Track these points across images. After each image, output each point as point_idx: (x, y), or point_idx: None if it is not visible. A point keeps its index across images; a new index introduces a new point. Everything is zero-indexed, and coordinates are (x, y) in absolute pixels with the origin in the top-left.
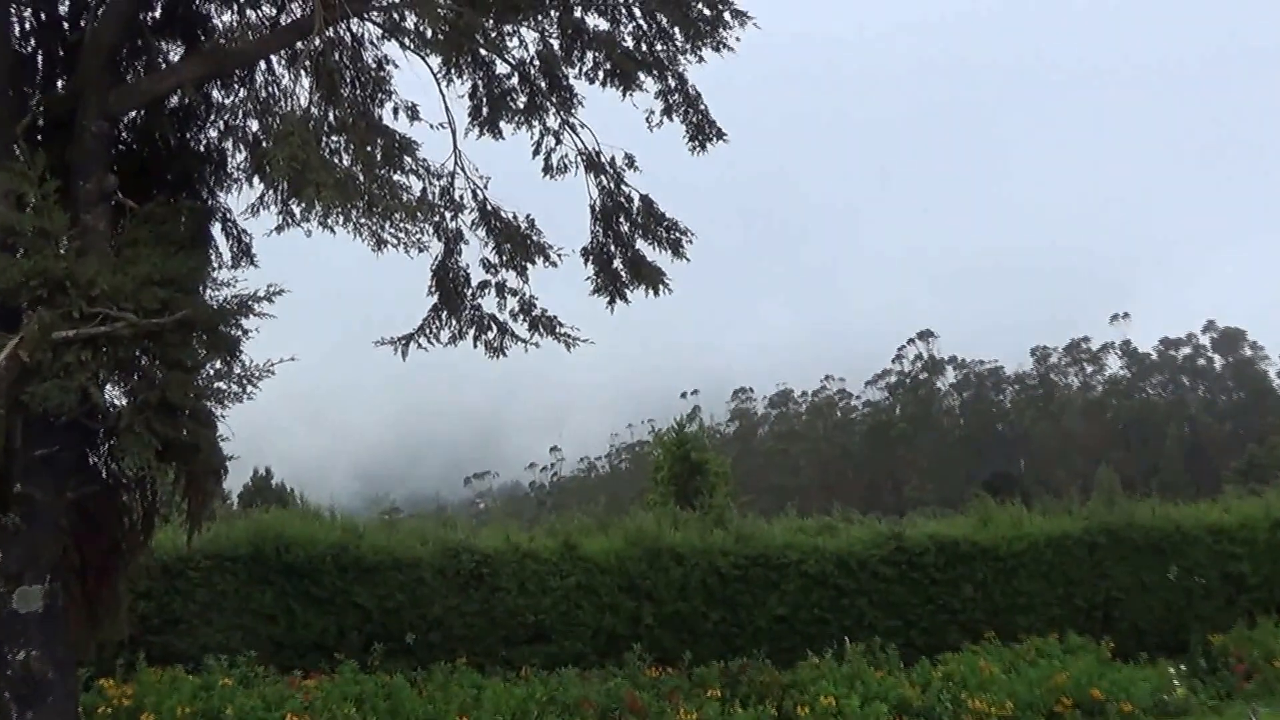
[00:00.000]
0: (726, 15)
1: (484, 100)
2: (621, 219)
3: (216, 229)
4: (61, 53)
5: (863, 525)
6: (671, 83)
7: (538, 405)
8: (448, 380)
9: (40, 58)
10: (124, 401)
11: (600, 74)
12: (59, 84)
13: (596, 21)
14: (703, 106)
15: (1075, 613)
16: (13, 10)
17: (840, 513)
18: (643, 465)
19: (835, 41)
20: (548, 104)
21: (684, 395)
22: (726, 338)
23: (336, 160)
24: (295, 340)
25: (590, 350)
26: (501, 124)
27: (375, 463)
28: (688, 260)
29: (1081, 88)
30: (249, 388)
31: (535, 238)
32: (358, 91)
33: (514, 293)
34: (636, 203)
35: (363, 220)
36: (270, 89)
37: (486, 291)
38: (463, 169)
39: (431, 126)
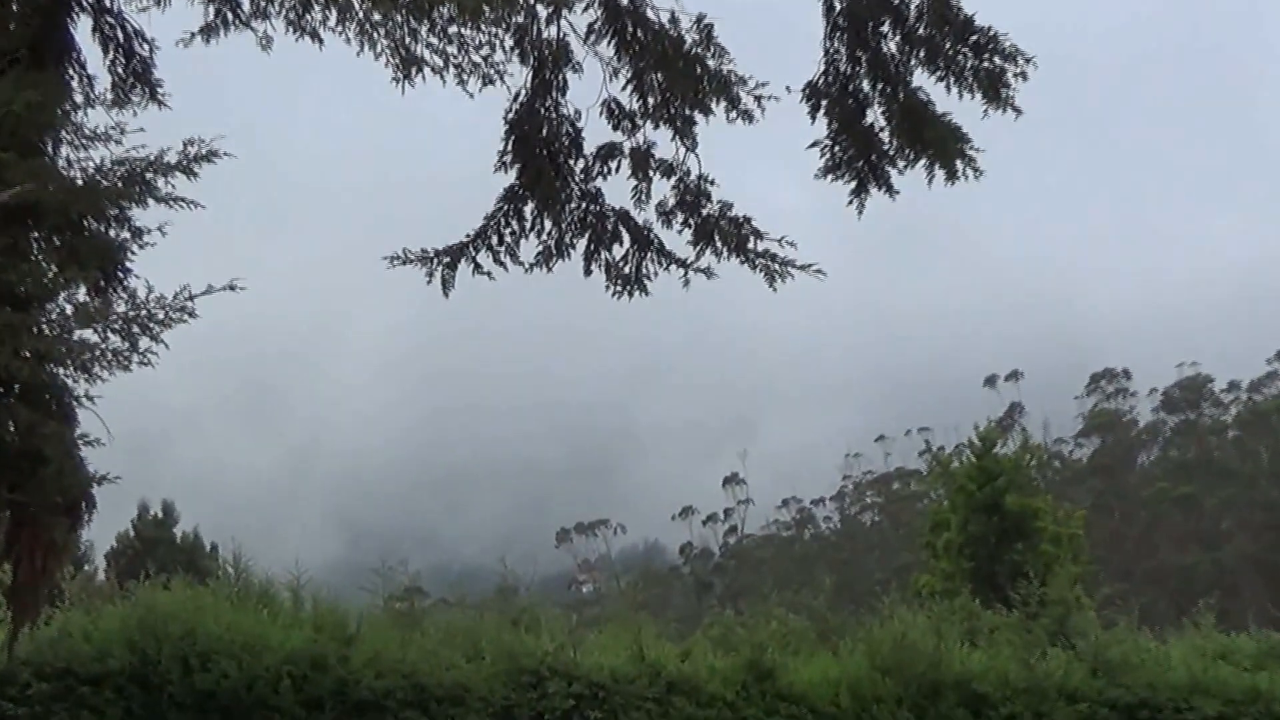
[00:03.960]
0: None
1: None
2: (885, 27)
3: (83, 28)
4: None
5: None
6: None
7: (699, 403)
8: (525, 347)
9: None
10: None
11: None
12: None
13: None
14: None
15: None
16: None
17: None
18: (908, 517)
19: None
20: None
21: (990, 383)
22: (1078, 278)
23: None
24: (236, 261)
25: (811, 291)
26: None
27: (380, 503)
28: (1015, 113)
29: None
30: (146, 342)
31: (712, 63)
32: None
33: (667, 169)
34: None
35: (376, 19)
36: None
37: (613, 165)
38: None
39: None
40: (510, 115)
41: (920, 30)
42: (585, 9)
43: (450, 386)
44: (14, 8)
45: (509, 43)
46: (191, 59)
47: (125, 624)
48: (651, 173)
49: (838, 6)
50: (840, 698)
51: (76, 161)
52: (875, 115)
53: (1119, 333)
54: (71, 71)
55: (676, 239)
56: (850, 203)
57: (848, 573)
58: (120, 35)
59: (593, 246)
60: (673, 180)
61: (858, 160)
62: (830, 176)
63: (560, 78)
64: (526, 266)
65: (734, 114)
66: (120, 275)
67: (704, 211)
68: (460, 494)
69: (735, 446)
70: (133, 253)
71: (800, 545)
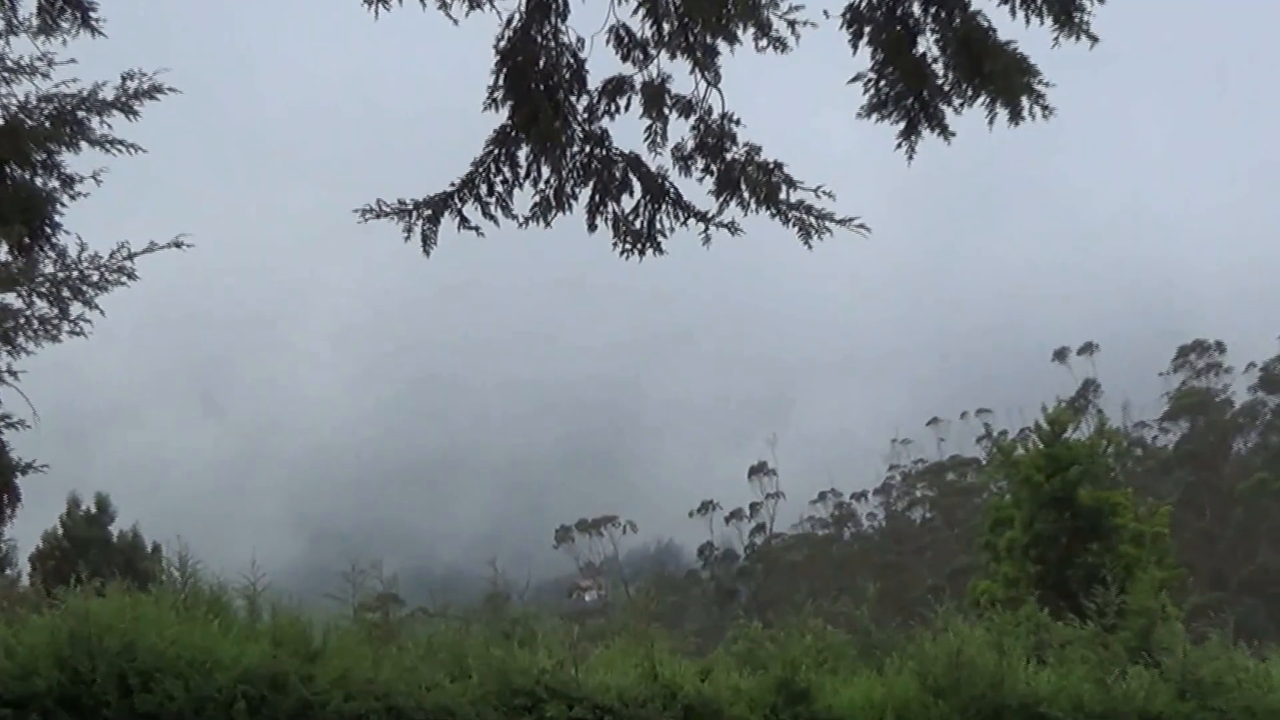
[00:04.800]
0: None
1: None
2: None
3: None
4: None
5: None
6: None
7: (721, 380)
8: (519, 314)
9: None
10: None
11: None
12: None
13: None
14: None
15: None
16: None
17: None
18: (965, 513)
19: None
20: None
21: (1061, 357)
22: (1165, 233)
23: None
24: (183, 215)
25: (853, 249)
26: None
27: (347, 496)
28: (1092, 41)
29: None
30: (78, 308)
31: None
32: None
33: (685, 107)
34: None
35: None
36: None
37: (622, 102)
38: None
39: None
40: (502, 44)
41: None
42: None
43: (429, 359)
44: None
45: None
46: None
47: (54, 637)
48: (667, 111)
49: None
50: None
51: None
52: (927, 44)
53: (1212, 298)
54: None
55: (696, 188)
56: (899, 146)
57: (894, 578)
58: None
59: (598, 197)
60: (692, 120)
61: (907, 96)
62: (875, 115)
63: (560, 0)
64: (520, 220)
65: (764, 42)
66: (48, 230)
67: (728, 156)
68: (442, 486)
69: (764, 431)
70: (63, 204)
71: (839, 546)
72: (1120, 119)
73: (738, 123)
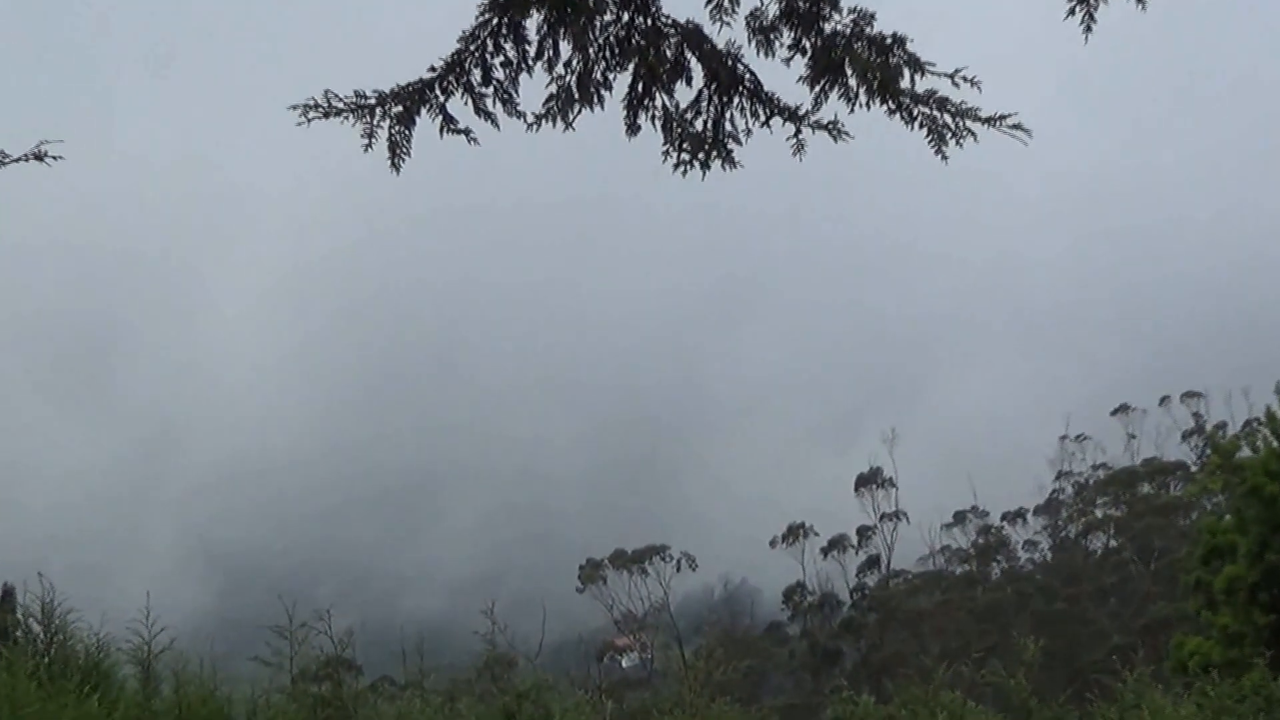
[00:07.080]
0: None
1: None
2: None
3: None
4: None
5: None
6: None
7: (814, 351)
8: (524, 263)
9: None
10: None
11: None
12: None
13: None
14: None
15: None
16: None
17: None
18: (1166, 539)
19: None
20: None
21: None
22: None
23: None
24: (54, 118)
25: (1010, 160)
26: None
27: (275, 524)
28: None
29: None
30: None
31: None
32: None
33: None
34: None
35: None
36: None
37: None
38: None
39: None
40: None
41: None
42: None
43: (397, 328)
44: None
45: None
46: None
47: None
48: None
49: None
50: None
51: None
52: None
53: None
54: None
55: (782, 74)
56: (1071, 13)
57: (1064, 634)
58: None
59: (642, 85)
60: None
61: None
62: None
63: None
64: (529, 120)
65: None
66: None
67: (826, 28)
68: (416, 507)
69: (877, 424)
70: None
71: (985, 588)
72: None
73: None
